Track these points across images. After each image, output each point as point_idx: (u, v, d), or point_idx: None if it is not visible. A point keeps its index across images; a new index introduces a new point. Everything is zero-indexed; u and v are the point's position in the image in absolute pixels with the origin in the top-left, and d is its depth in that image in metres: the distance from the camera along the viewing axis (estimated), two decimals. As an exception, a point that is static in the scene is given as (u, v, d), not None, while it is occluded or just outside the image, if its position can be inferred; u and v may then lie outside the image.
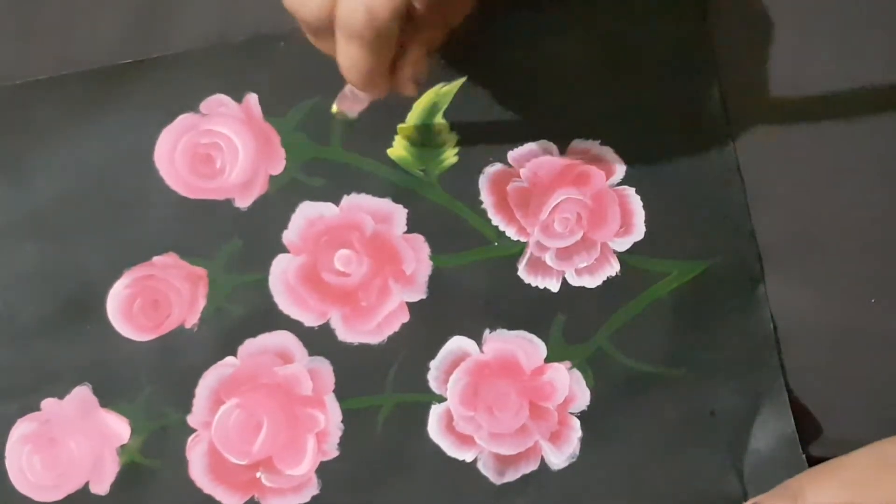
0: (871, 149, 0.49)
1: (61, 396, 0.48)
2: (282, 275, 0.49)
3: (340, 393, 0.48)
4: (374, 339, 0.48)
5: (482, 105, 0.49)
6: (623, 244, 0.49)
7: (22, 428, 0.48)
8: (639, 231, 0.49)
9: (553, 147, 0.49)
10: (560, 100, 0.49)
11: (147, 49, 0.50)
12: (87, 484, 0.48)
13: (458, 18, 0.46)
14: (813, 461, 0.46)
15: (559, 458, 0.48)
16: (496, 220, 0.49)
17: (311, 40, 0.43)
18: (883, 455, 0.44)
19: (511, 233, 0.49)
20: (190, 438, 0.48)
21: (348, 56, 0.41)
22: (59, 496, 0.48)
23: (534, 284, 0.49)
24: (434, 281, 0.49)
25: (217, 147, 0.50)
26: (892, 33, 0.49)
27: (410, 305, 0.49)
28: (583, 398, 0.48)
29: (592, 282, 0.49)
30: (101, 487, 0.48)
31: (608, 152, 0.49)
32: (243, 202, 0.49)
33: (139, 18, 0.51)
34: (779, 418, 0.48)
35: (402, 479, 0.48)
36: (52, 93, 0.50)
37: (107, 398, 0.48)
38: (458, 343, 0.48)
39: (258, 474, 0.48)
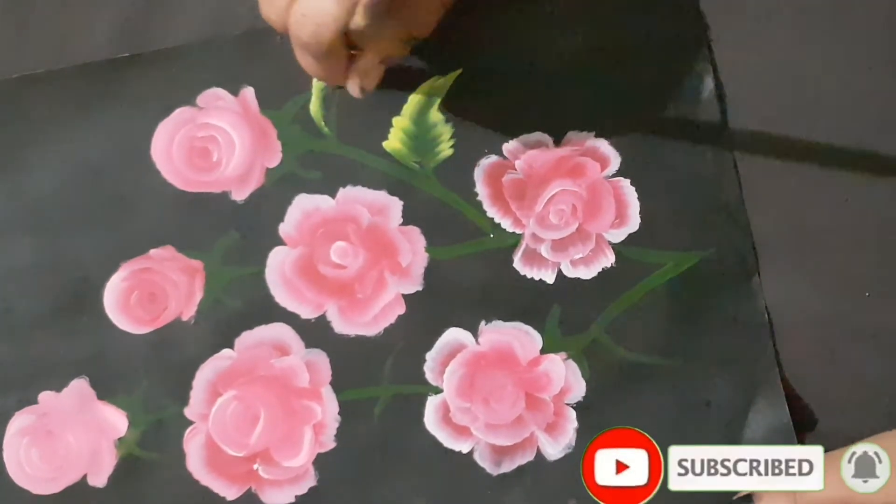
0: (868, 143, 0.49)
1: (59, 389, 0.48)
2: (278, 267, 0.49)
3: (337, 385, 0.48)
4: (371, 331, 0.48)
5: (477, 97, 0.50)
6: (618, 235, 0.49)
7: (20, 421, 0.48)
8: (634, 222, 0.49)
9: (548, 139, 0.50)
10: (555, 92, 0.49)
11: (143, 43, 0.50)
12: (84, 476, 0.48)
13: (425, 32, 0.48)
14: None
15: (555, 448, 0.48)
16: (491, 211, 0.49)
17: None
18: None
19: (506, 224, 0.49)
20: (187, 431, 0.48)
21: (304, 62, 0.45)
22: (57, 489, 0.48)
23: (529, 276, 0.49)
24: (430, 273, 0.49)
25: (213, 140, 0.50)
26: (892, 32, 0.50)
27: (406, 297, 0.49)
28: (578, 389, 0.48)
29: (588, 273, 0.49)
30: (98, 480, 0.48)
31: (603, 144, 0.49)
32: (240, 195, 0.49)
33: (135, 12, 0.51)
34: (774, 409, 0.48)
35: (399, 470, 0.48)
36: (48, 87, 0.50)
37: (104, 391, 0.48)
38: (454, 334, 0.48)
39: (255, 466, 0.48)
